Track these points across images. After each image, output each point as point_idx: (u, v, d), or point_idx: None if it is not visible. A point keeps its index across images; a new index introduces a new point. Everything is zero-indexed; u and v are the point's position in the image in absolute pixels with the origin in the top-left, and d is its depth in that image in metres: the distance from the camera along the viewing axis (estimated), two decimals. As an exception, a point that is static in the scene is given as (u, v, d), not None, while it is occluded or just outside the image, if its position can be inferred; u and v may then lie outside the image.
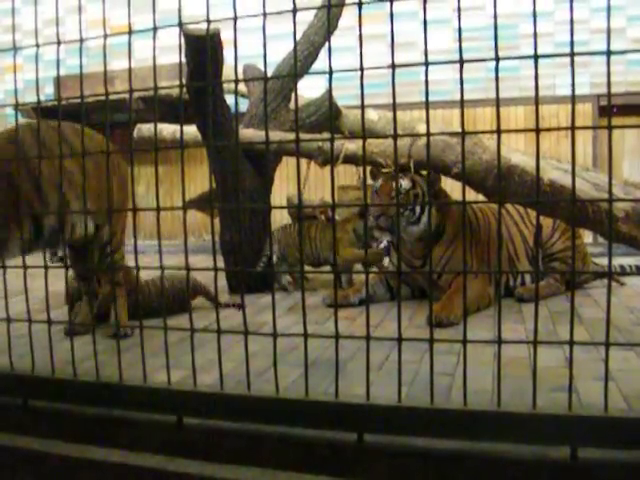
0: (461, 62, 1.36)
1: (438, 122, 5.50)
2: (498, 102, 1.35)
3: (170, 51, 3.71)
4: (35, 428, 1.90)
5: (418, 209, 3.27)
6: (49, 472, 1.83)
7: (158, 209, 1.66)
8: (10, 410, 1.96)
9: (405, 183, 3.27)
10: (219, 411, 1.63)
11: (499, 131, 1.35)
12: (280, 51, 3.81)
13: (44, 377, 1.89)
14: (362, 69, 1.46)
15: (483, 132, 1.48)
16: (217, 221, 3.96)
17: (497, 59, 1.33)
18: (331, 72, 1.49)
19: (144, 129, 4.23)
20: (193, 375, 1.67)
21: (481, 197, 3.12)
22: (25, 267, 1.88)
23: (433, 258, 3.35)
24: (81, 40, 1.87)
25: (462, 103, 1.38)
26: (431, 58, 1.37)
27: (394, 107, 1.45)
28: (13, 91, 2.09)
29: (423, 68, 1.36)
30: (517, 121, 5.56)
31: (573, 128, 1.32)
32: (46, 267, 1.84)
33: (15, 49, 1.98)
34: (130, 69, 1.77)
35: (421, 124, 3.83)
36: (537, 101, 1.36)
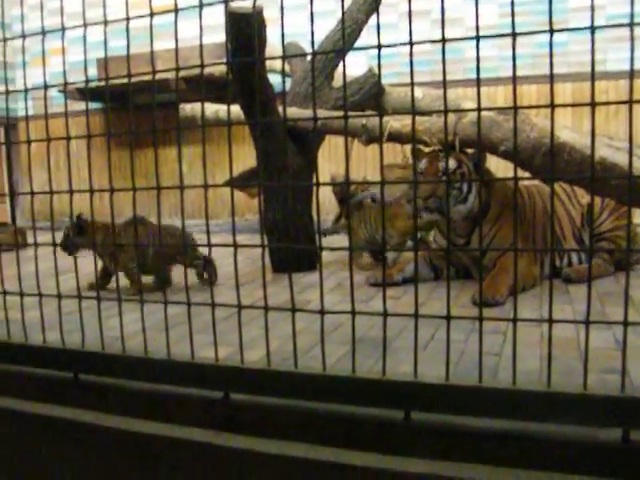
0: (514, 35, 1.33)
1: (483, 99, 5.40)
2: (552, 76, 1.32)
3: (212, 30, 3.72)
4: (85, 402, 1.94)
5: (465, 188, 3.23)
6: (98, 444, 1.87)
7: (205, 186, 1.67)
8: (61, 384, 2.01)
9: (451, 162, 3.23)
10: (266, 387, 1.64)
11: (552, 105, 1.32)
12: (322, 29, 3.79)
13: (94, 352, 1.92)
14: (411, 44, 1.44)
15: (536, 107, 1.45)
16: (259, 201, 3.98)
17: (551, 31, 1.30)
18: (379, 47, 1.46)
19: (187, 109, 4.25)
20: (240, 352, 1.68)
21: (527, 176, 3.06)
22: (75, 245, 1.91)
23: (478, 237, 3.32)
24: (127, 19, 1.87)
25: (514, 78, 1.36)
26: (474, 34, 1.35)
27: (444, 82, 1.43)
28: (58, 74, 2.10)
29: (467, 45, 1.34)
30: (565, 98, 5.43)
31: (631, 102, 1.28)
32: (95, 245, 1.86)
33: (64, 29, 1.99)
34: (177, 48, 1.77)
35: (466, 101, 3.78)
36: (593, 74, 1.32)
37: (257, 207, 2.98)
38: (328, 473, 1.55)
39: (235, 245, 1.64)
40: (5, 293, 2.12)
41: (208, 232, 1.71)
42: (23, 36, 2.11)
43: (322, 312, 1.57)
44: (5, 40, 2.19)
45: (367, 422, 1.58)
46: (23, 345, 2.09)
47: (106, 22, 1.91)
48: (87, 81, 2.04)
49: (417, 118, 3.30)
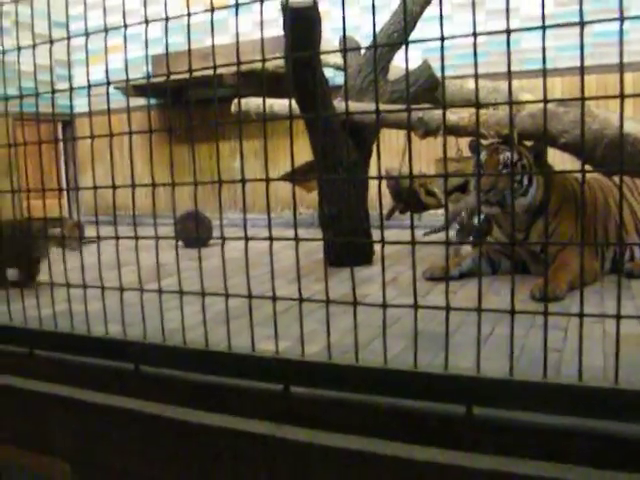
0: (581, 24, 1.31)
1: (540, 91, 5.32)
2: (622, 65, 1.29)
3: (266, 25, 3.73)
4: (146, 393, 1.97)
5: (526, 181, 3.19)
6: (159, 434, 1.90)
7: (267, 179, 1.68)
8: (123, 375, 2.05)
9: (513, 155, 3.18)
10: (327, 380, 1.65)
11: (622, 96, 1.29)
12: (377, 22, 3.77)
13: (155, 344, 1.96)
14: (475, 34, 1.42)
15: (604, 97, 1.42)
16: (315, 194, 3.99)
17: (622, 19, 1.27)
18: (442, 38, 1.45)
19: (242, 103, 4.28)
20: (301, 344, 1.69)
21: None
22: (137, 238, 1.94)
23: (536, 231, 3.27)
24: (189, 14, 1.90)
25: (582, 69, 1.33)
26: (531, 24, 1.32)
27: (509, 75, 1.41)
28: (113, 71, 2.14)
29: (523, 36, 1.32)
30: (625, 88, 5.29)
31: None
32: (157, 238, 1.89)
33: (125, 26, 2.02)
34: (237, 43, 1.79)
35: (524, 93, 3.73)
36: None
37: (311, 201, 2.98)
38: (388, 467, 1.55)
39: (297, 239, 1.65)
40: (69, 285, 2.17)
41: (270, 226, 1.72)
42: (86, 34, 2.15)
43: (384, 305, 1.57)
44: (69, 38, 2.24)
45: (428, 416, 1.58)
46: (86, 337, 2.14)
47: (167, 18, 1.93)
48: (148, 77, 2.07)
49: (473, 110, 3.27)
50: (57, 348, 2.22)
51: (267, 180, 1.67)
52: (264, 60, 1.71)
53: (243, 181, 1.73)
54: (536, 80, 5.33)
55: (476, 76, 1.47)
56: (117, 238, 2.00)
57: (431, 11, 3.98)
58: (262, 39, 1.71)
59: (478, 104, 1.47)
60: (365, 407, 1.63)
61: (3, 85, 2.47)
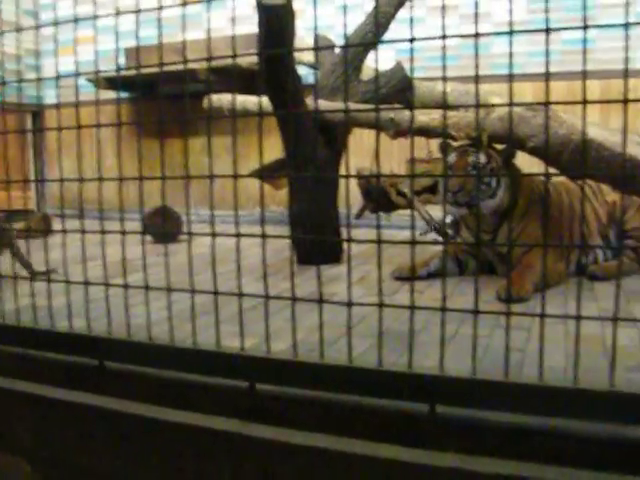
0: (547, 30, 1.33)
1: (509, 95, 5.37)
2: (585, 72, 1.32)
3: (239, 22, 3.73)
4: (110, 389, 1.96)
5: (494, 183, 3.23)
6: (123, 431, 1.89)
7: (235, 176, 1.68)
8: (87, 371, 2.03)
9: (481, 157, 3.22)
10: (292, 378, 1.65)
11: (585, 102, 1.31)
12: (351, 23, 3.78)
13: (120, 339, 1.94)
14: (444, 37, 1.43)
15: (568, 103, 1.44)
16: (286, 192, 3.98)
17: (585, 27, 1.29)
18: (412, 40, 1.46)
19: (214, 99, 4.26)
20: (266, 342, 1.69)
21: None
22: (103, 232, 1.93)
23: (504, 232, 3.31)
24: (160, 7, 1.89)
25: (547, 74, 1.35)
26: (505, 29, 1.34)
27: (476, 77, 1.42)
28: (84, 63, 2.12)
29: (495, 41, 1.34)
30: (592, 95, 5.33)
31: (665, 99, 1.27)
32: (124, 232, 1.88)
33: (96, 17, 2.01)
34: (209, 38, 1.78)
35: (493, 97, 3.76)
36: (627, 70, 1.31)
37: (282, 199, 2.99)
38: (352, 465, 1.56)
39: (264, 236, 1.65)
40: (33, 279, 2.15)
41: (237, 223, 1.73)
42: (55, 23, 2.13)
43: (349, 304, 1.58)
44: (37, 28, 2.21)
45: (392, 415, 1.59)
46: (49, 331, 2.12)
47: (139, 10, 1.92)
48: (119, 69, 2.05)
49: (445, 113, 3.29)
50: (20, 343, 2.20)
51: (235, 176, 1.67)
52: (235, 56, 1.71)
53: (211, 177, 1.73)
54: (505, 85, 5.37)
55: (444, 78, 1.48)
56: (83, 232, 1.98)
57: (406, 13, 4.01)
58: (234, 36, 1.70)
59: (446, 106, 1.48)
60: (330, 405, 1.63)
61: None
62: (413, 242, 1.53)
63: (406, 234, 1.66)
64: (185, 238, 4.32)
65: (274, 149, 3.89)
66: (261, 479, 1.64)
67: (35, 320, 2.17)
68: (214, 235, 1.71)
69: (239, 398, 1.73)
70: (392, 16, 3.97)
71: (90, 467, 1.99)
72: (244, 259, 1.80)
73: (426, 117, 3.29)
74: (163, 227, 4.53)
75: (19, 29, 2.18)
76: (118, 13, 1.95)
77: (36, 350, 2.15)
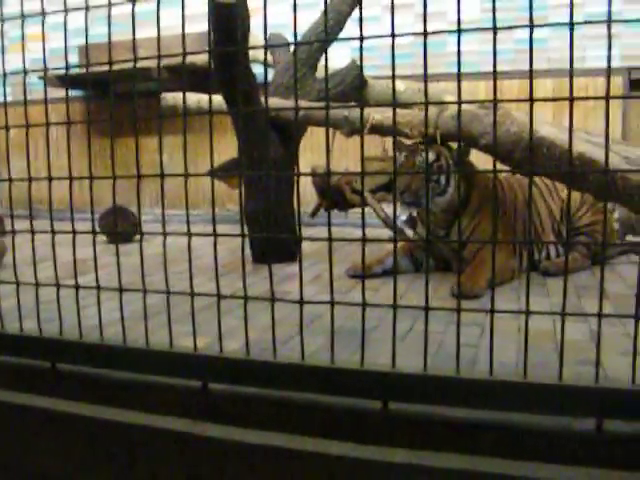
0: (494, 29, 1.34)
1: (464, 94, 5.41)
2: (532, 72, 1.33)
3: (194, 19, 3.70)
4: (62, 391, 1.93)
5: (443, 180, 3.26)
6: (75, 433, 1.86)
7: (186, 175, 1.67)
8: (38, 373, 2.00)
9: (430, 155, 3.25)
10: (245, 377, 1.65)
11: (532, 100, 1.33)
12: (306, 21, 3.78)
13: (72, 341, 1.91)
14: (393, 35, 1.44)
15: (516, 100, 1.45)
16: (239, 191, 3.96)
17: (531, 26, 1.31)
18: (362, 38, 1.47)
19: (169, 98, 4.22)
20: (219, 341, 1.69)
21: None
22: (53, 232, 1.90)
23: (457, 228, 3.35)
24: (110, 4, 1.86)
25: (495, 73, 1.36)
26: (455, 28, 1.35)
27: (425, 76, 1.43)
28: (37, 60, 2.09)
29: (449, 39, 1.36)
30: (545, 94, 5.46)
31: (608, 98, 1.30)
32: (74, 232, 1.86)
33: (44, 14, 1.97)
34: (159, 36, 1.77)
35: (447, 95, 3.80)
36: (572, 70, 1.34)
37: (238, 198, 2.97)
38: (306, 462, 1.56)
39: (215, 234, 1.64)
40: (-18, 281, 2.11)
41: (188, 222, 1.71)
42: (1, 20, 2.09)
43: (301, 302, 1.58)
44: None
45: (345, 412, 1.59)
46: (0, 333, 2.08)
47: (87, 8, 1.89)
48: (67, 68, 2.02)
49: (399, 110, 3.31)
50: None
51: (186, 175, 1.66)
52: (184, 54, 1.70)
53: (162, 175, 1.71)
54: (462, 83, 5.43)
55: (393, 76, 1.49)
56: (32, 232, 1.95)
57: (363, 11, 4.03)
58: (183, 34, 1.69)
59: (395, 104, 1.49)
60: (283, 403, 1.63)
61: None
62: (364, 240, 1.54)
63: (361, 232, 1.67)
64: (139, 238, 4.29)
65: (231, 148, 3.88)
66: (216, 479, 1.63)
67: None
68: (165, 234, 1.70)
69: (192, 398, 1.72)
70: (348, 14, 3.99)
71: (41, 471, 1.95)
72: (198, 258, 1.80)
73: (380, 115, 3.31)
74: (116, 227, 4.48)
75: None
76: (67, 10, 1.92)
77: (-15, 353, 2.10)
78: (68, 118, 1.99)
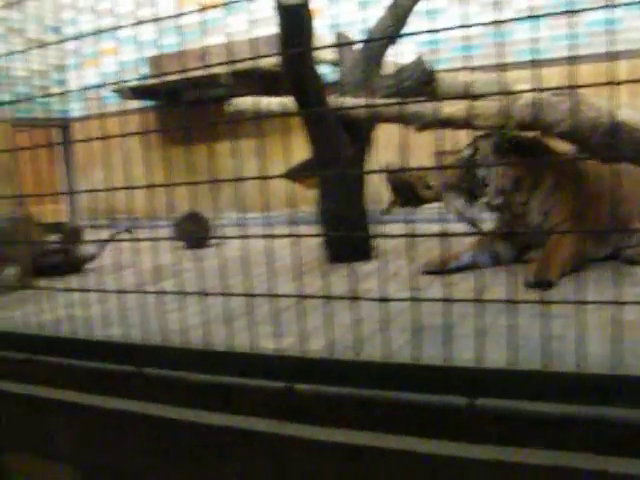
0: (572, 12, 1.31)
1: (536, 82, 5.31)
2: (613, 53, 1.29)
3: (261, 24, 3.74)
4: (149, 395, 1.97)
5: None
6: (164, 435, 1.90)
7: (262, 177, 1.68)
8: (124, 377, 2.05)
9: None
10: (329, 376, 1.65)
11: (614, 83, 1.29)
12: (370, 18, 3.77)
13: (156, 345, 1.96)
14: (463, 27, 1.42)
15: (596, 85, 1.41)
16: (314, 192, 3.98)
17: (612, 7, 1.27)
18: (435, 31, 1.45)
19: (238, 102, 4.27)
20: (302, 342, 1.69)
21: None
22: (138, 240, 1.95)
23: (536, 202, 3.28)
24: (178, 15, 1.89)
25: (573, 57, 1.33)
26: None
27: (499, 66, 1.40)
28: (110, 74, 2.14)
29: (517, 27, 1.32)
30: (620, 75, 5.29)
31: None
32: (156, 240, 1.90)
33: (117, 28, 2.02)
34: (228, 43, 1.78)
35: (520, 84, 3.72)
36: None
37: (312, 199, 2.99)
38: (393, 460, 1.55)
39: (295, 235, 1.65)
40: (68, 290, 2.17)
41: (267, 225, 1.73)
42: (79, 37, 2.15)
43: (383, 300, 1.57)
44: (60, 42, 2.24)
45: (431, 409, 1.58)
46: (88, 340, 2.15)
47: (157, 20, 1.93)
48: (141, 78, 2.07)
49: (470, 103, 3.26)
50: (58, 353, 2.22)
51: (262, 178, 1.68)
52: (254, 58, 1.71)
53: (237, 180, 1.73)
54: (532, 71, 5.31)
55: (466, 68, 1.46)
56: (116, 241, 2.00)
57: (424, 5, 3.99)
58: (252, 39, 1.70)
59: (471, 96, 1.47)
60: (368, 402, 1.63)
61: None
62: (444, 235, 1.52)
63: (437, 227, 1.65)
64: (216, 242, 4.35)
65: (304, 149, 3.90)
66: (303, 479, 1.64)
67: (73, 330, 2.19)
68: (245, 237, 1.72)
69: (278, 399, 1.73)
70: (410, 8, 3.95)
71: (131, 472, 2.01)
72: (277, 260, 1.81)
73: (451, 108, 3.26)
74: (193, 232, 4.56)
75: (42, 44, 2.21)
76: (138, 23, 1.96)
77: (75, 359, 2.17)
78: (142, 128, 2.03)
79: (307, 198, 6.05)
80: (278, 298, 1.73)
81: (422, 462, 1.52)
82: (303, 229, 1.72)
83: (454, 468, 1.48)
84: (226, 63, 1.77)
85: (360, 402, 1.64)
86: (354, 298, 1.61)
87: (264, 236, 1.70)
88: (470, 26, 1.43)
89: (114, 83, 2.10)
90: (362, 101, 3.52)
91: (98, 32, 2.10)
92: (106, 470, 2.11)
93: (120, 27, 2.03)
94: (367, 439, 1.56)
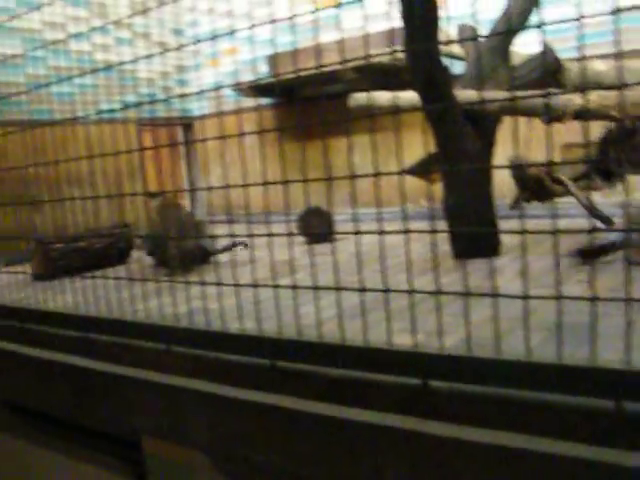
0: None
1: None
2: None
3: (377, 19, 3.72)
4: (283, 387, 2.00)
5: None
6: (298, 428, 1.92)
7: (376, 174, 1.68)
8: (259, 370, 2.09)
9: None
10: (466, 374, 1.62)
11: None
12: (494, 8, 3.68)
13: (290, 339, 1.98)
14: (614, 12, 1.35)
15: None
16: (439, 186, 3.93)
17: None
18: (581, 18, 1.39)
19: (358, 98, 4.27)
20: (434, 338, 1.67)
21: None
22: (271, 235, 1.98)
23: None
24: (294, 16, 1.92)
25: None
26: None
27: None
28: (230, 74, 2.19)
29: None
30: None
31: None
32: (290, 235, 1.93)
33: (233, 32, 2.07)
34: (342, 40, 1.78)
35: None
36: None
37: (434, 194, 2.96)
38: (532, 463, 1.51)
39: (433, 231, 1.64)
40: (203, 283, 2.24)
41: (401, 219, 1.72)
42: (199, 41, 2.20)
43: (525, 297, 1.53)
44: (181, 47, 2.30)
45: (575, 411, 1.52)
46: (222, 333, 2.20)
47: (274, 21, 1.96)
48: (262, 78, 2.10)
49: (603, 93, 3.13)
50: (193, 344, 2.29)
51: (385, 174, 1.67)
52: (370, 56, 1.71)
53: (353, 177, 1.74)
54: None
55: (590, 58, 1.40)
56: (250, 236, 2.04)
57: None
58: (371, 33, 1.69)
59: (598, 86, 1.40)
60: (507, 401, 1.58)
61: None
62: (592, 230, 1.46)
63: (564, 223, 1.59)
64: (337, 237, 4.37)
65: (428, 143, 3.85)
66: (439, 477, 1.62)
67: (207, 323, 2.25)
68: (379, 232, 1.71)
69: (413, 395, 1.71)
70: (539, -3, 3.83)
71: (265, 463, 2.04)
72: (402, 255, 1.80)
73: (583, 99, 3.14)
74: (317, 228, 4.60)
75: (166, 50, 2.28)
76: (254, 25, 1.99)
77: (209, 351, 2.23)
78: (260, 125, 2.06)
79: (428, 193, 5.99)
80: (406, 294, 1.71)
81: (563, 466, 1.47)
82: (424, 225, 1.70)
83: (600, 473, 1.42)
84: (363, 58, 1.77)
85: (499, 402, 1.60)
86: (494, 295, 1.58)
87: (397, 232, 1.69)
88: (617, 12, 1.37)
89: (239, 83, 2.15)
90: (492, 94, 3.44)
91: (215, 36, 2.15)
92: (238, 460, 2.16)
93: (237, 29, 2.07)
94: (507, 439, 1.52)
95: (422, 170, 3.90)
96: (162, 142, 7.61)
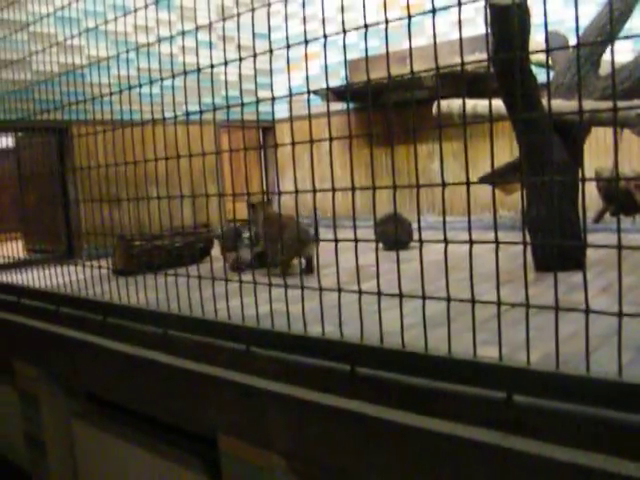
0: None
1: None
2: None
3: (465, 24, 3.68)
4: (361, 394, 1.99)
5: None
6: (377, 435, 1.91)
7: (468, 183, 1.66)
8: (338, 375, 2.09)
9: None
10: (553, 390, 1.58)
11: None
12: (586, 14, 3.59)
13: (372, 346, 1.98)
14: None
15: None
16: (515, 196, 3.86)
17: None
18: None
19: (443, 105, 4.24)
20: (516, 352, 1.64)
21: None
22: (356, 241, 1.98)
23: None
24: (387, 21, 1.92)
25: None
26: None
27: None
28: (312, 77, 2.20)
29: None
30: None
31: None
32: (356, 241, 1.94)
33: (325, 37, 2.08)
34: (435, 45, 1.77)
35: None
36: None
37: (511, 204, 2.91)
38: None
39: (497, 242, 1.61)
40: (287, 286, 2.25)
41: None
42: (287, 46, 2.23)
43: (620, 314, 1.49)
44: (271, 52, 2.32)
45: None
46: (302, 336, 2.21)
47: (367, 26, 1.96)
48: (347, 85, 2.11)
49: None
50: (273, 346, 2.31)
51: (468, 183, 1.65)
52: (464, 64, 1.70)
53: (443, 185, 1.72)
54: None
55: None
56: (336, 241, 2.05)
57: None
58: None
59: None
60: (594, 421, 1.54)
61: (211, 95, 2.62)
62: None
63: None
64: (415, 245, 4.34)
65: (503, 153, 3.81)
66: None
67: (288, 326, 2.27)
68: (447, 242, 1.69)
69: (496, 409, 1.68)
70: (635, 2, 3.72)
71: (341, 467, 2.04)
72: (479, 266, 1.78)
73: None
74: (395, 234, 4.58)
75: (255, 54, 2.32)
76: (345, 31, 2.00)
77: (289, 353, 2.24)
78: (350, 132, 2.07)
79: (507, 203, 5.90)
80: (481, 305, 1.69)
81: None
82: (503, 235, 1.68)
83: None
84: (456, 65, 1.76)
85: (585, 420, 1.55)
86: (587, 311, 1.54)
87: (464, 242, 1.67)
88: None
89: (328, 88, 2.17)
90: (589, 104, 3.35)
91: (307, 41, 2.17)
92: (314, 463, 2.16)
93: (327, 36, 2.08)
94: (591, 460, 1.47)
95: (499, 180, 3.84)
96: (240, 144, 7.69)
